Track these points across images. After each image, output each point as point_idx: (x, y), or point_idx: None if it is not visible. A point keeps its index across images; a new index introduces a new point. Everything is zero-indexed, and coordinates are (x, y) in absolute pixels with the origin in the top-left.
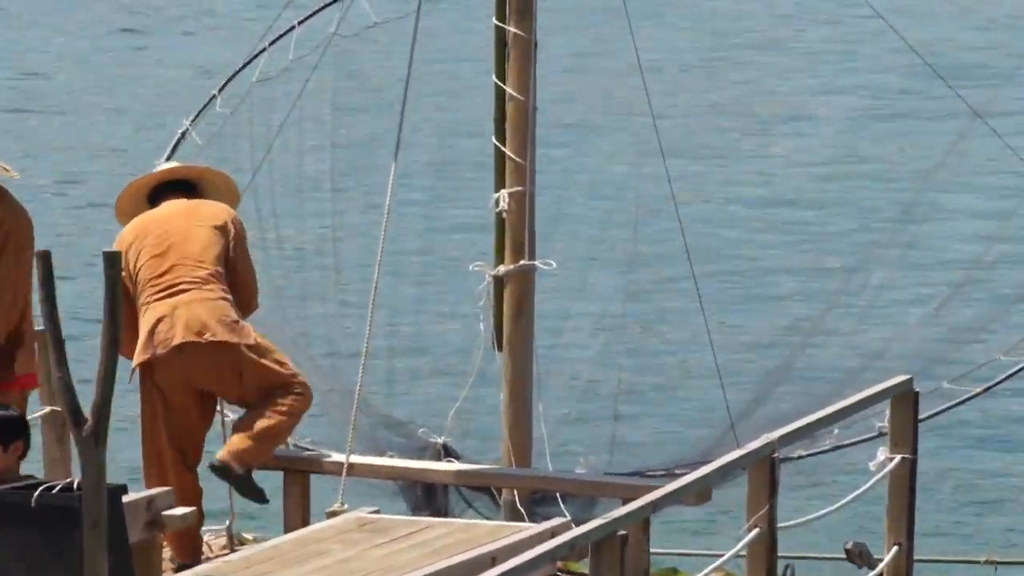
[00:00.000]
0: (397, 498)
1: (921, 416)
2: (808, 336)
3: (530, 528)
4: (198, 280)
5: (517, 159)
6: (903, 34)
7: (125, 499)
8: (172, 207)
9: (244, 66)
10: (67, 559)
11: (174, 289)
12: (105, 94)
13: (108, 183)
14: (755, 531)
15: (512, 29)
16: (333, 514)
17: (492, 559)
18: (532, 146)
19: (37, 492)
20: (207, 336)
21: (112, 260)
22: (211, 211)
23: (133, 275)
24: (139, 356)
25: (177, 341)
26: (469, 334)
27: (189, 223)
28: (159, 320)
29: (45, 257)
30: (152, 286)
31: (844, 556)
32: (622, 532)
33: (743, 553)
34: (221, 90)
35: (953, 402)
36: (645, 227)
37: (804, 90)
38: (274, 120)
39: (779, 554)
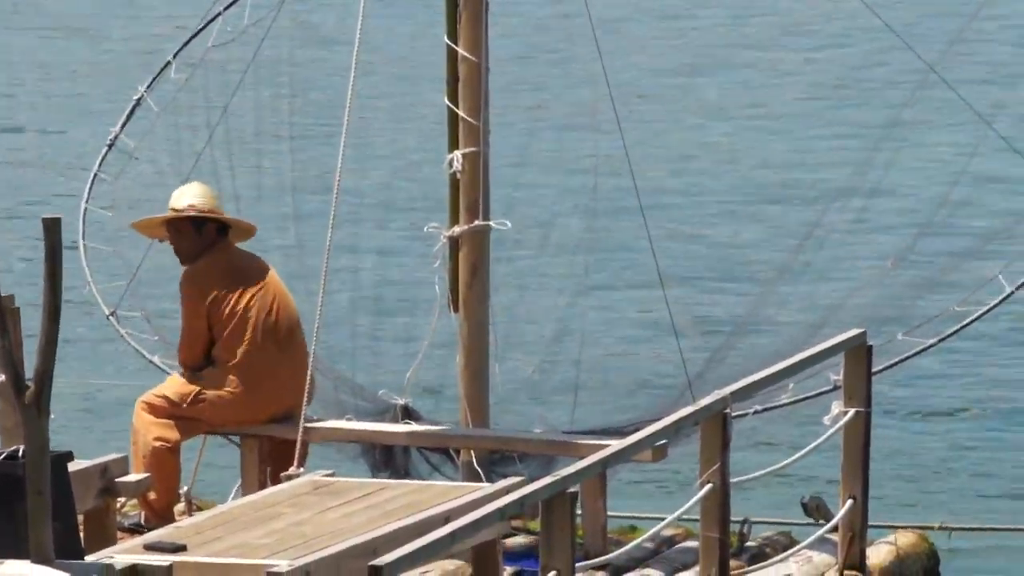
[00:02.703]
0: (360, 460)
1: (875, 369)
2: (765, 292)
3: (484, 487)
4: None
5: (470, 120)
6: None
7: (78, 466)
8: None
9: (198, 32)
10: (14, 526)
11: None
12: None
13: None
14: (708, 486)
15: None
16: (288, 478)
17: (445, 519)
18: (485, 107)
19: None
20: None
21: (51, 226)
22: None
23: None
24: None
25: None
26: (429, 295)
27: None
28: None
29: None
30: None
31: (801, 509)
32: (572, 490)
33: (697, 510)
34: (176, 55)
35: (906, 354)
36: (603, 189)
37: (760, 45)
38: (231, 83)
39: (737, 510)
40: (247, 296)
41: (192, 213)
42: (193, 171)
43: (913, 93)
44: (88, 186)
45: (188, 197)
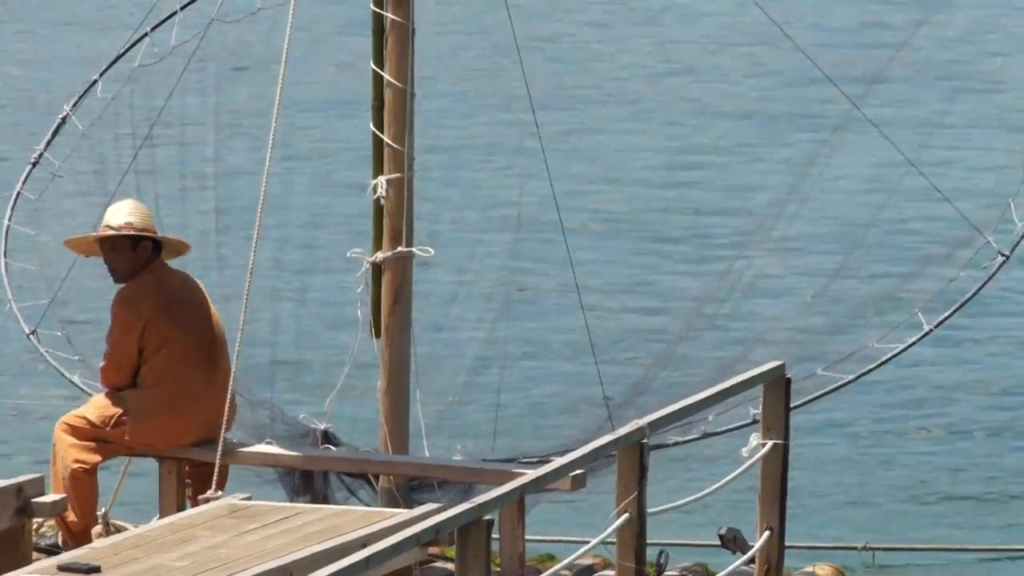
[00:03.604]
0: (278, 484)
1: (793, 404)
2: (688, 325)
3: (402, 514)
4: None
5: (395, 146)
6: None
7: None
8: None
9: (125, 51)
10: None
11: None
12: None
13: None
14: (624, 516)
15: (389, 15)
16: (206, 500)
17: (363, 544)
18: (410, 133)
19: None
20: None
21: None
22: None
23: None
24: None
25: None
26: (350, 320)
27: None
28: None
29: None
30: None
31: (718, 541)
32: (488, 517)
33: (613, 539)
34: (102, 74)
35: (826, 389)
36: (527, 218)
37: (683, 72)
38: (157, 105)
39: (656, 540)
40: (179, 319)
41: (130, 231)
42: (117, 190)
43: (833, 132)
44: (11, 203)
45: (124, 215)
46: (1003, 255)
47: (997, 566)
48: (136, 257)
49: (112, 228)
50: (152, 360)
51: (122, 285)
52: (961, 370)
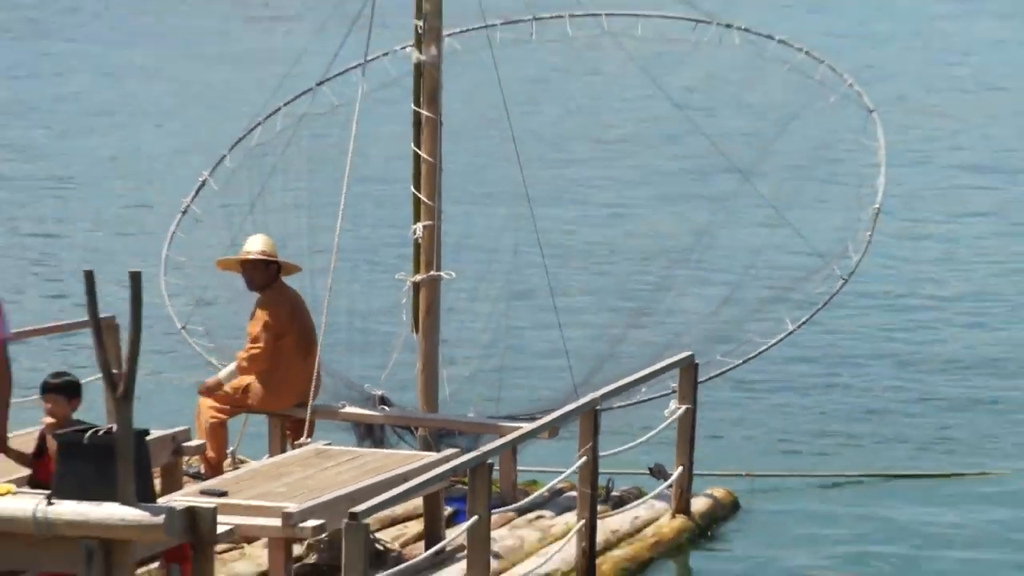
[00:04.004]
0: (349, 433)
1: (700, 379)
2: (632, 321)
3: (433, 456)
4: None
5: (428, 202)
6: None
7: (156, 435)
8: None
9: (242, 137)
10: (108, 481)
11: None
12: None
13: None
14: (583, 458)
15: (424, 112)
16: (299, 445)
17: (404, 478)
18: (439, 194)
19: (87, 435)
20: None
21: (134, 277)
22: None
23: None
24: None
25: None
26: (399, 321)
27: None
28: None
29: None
30: None
31: (648, 472)
32: (490, 461)
33: (576, 472)
34: (231, 150)
35: (720, 371)
36: (524, 248)
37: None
38: (271, 166)
39: (605, 471)
40: (294, 321)
41: (264, 257)
42: (240, 231)
43: (727, 199)
44: (168, 239)
45: (259, 244)
46: (843, 279)
47: (847, 488)
48: (266, 274)
49: (251, 254)
50: (273, 348)
51: (259, 296)
52: (822, 351)
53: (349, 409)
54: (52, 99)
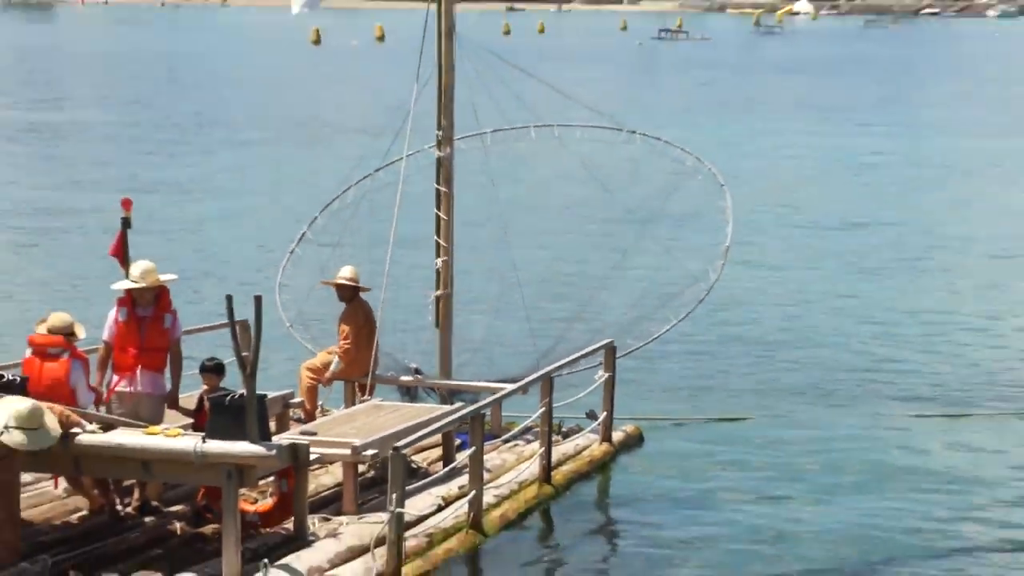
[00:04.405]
0: (396, 393)
1: (618, 356)
2: (575, 318)
3: (447, 407)
4: None
5: (444, 245)
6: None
7: (272, 396)
8: None
9: (329, 203)
10: (240, 428)
11: None
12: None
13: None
14: (542, 409)
15: (442, 188)
16: (363, 401)
17: (429, 422)
18: (452, 241)
19: (228, 398)
20: None
21: (257, 301)
22: None
23: None
24: None
25: None
26: (426, 321)
27: None
28: None
29: (229, 299)
30: None
31: (585, 416)
32: (484, 411)
33: (539, 417)
34: (320, 212)
35: (628, 350)
36: (507, 274)
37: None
38: (344, 226)
39: (556, 415)
40: (366, 323)
41: (349, 283)
42: (326, 264)
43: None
44: (280, 270)
45: (348, 272)
46: (707, 291)
47: (712, 426)
48: (352, 292)
49: (344, 279)
50: (353, 341)
51: (345, 306)
52: (699, 336)
53: (396, 376)
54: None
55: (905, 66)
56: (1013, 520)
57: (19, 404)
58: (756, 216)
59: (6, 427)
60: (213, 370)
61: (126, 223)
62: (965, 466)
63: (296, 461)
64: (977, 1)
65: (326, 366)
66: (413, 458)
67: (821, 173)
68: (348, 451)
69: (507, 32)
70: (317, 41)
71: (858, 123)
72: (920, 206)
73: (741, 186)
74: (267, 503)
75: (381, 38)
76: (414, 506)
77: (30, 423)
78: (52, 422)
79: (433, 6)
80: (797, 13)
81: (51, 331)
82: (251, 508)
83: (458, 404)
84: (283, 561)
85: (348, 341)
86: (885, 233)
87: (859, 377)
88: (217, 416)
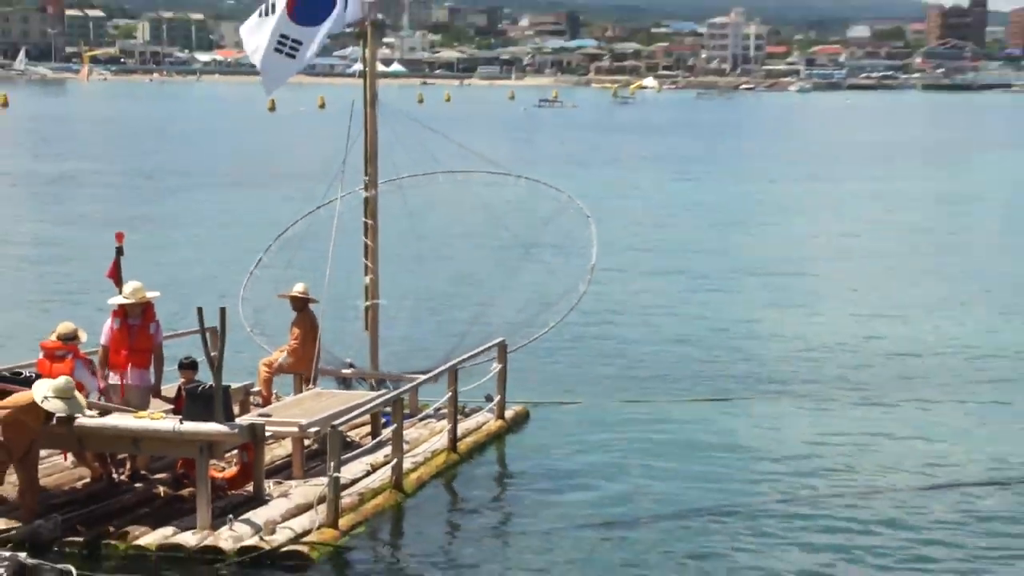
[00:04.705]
0: (334, 381)
1: (509, 351)
2: (474, 320)
3: (374, 393)
4: None
5: (371, 266)
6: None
7: (235, 387)
8: None
9: (281, 234)
10: (210, 412)
11: None
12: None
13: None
14: (448, 394)
15: (369, 222)
16: (307, 389)
17: (359, 406)
18: (376, 263)
19: (201, 388)
20: None
21: (222, 312)
22: None
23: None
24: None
25: None
26: (359, 328)
27: None
28: None
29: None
30: None
31: (484, 399)
32: (403, 397)
33: (447, 400)
34: (275, 241)
35: (518, 346)
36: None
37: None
38: (293, 253)
39: (461, 399)
40: (312, 328)
41: (301, 295)
42: (280, 280)
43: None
44: (243, 285)
45: (301, 287)
46: (576, 301)
47: (584, 408)
48: (303, 303)
49: (298, 292)
50: (301, 341)
51: (296, 314)
52: (572, 337)
53: (332, 369)
54: None
55: (727, 128)
56: (788, 485)
57: (56, 380)
58: (614, 242)
59: (46, 396)
60: (189, 366)
61: (119, 251)
62: (760, 440)
63: (255, 437)
64: (782, 80)
65: (277, 363)
66: (348, 434)
67: (664, 209)
68: (296, 429)
69: (420, 101)
70: (272, 108)
71: (691, 171)
72: (735, 235)
73: (603, 219)
74: (232, 471)
75: (323, 106)
76: (349, 471)
77: (64, 394)
78: (80, 396)
79: (361, 81)
80: (646, 87)
81: (59, 338)
82: (219, 475)
83: (383, 391)
84: (245, 516)
85: (297, 341)
86: (712, 255)
87: (695, 367)
88: (192, 403)
